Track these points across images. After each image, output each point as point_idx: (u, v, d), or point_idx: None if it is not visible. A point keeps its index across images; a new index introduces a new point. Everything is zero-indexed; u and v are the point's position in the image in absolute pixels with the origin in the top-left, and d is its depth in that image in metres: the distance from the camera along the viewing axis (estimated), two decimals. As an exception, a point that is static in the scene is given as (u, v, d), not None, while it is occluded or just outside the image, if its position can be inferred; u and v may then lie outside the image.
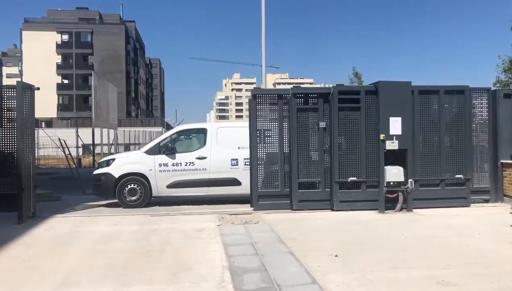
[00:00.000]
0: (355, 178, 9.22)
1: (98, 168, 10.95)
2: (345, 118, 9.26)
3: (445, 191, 9.54)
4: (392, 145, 9.03)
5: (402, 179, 9.04)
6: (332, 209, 9.24)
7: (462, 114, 9.70)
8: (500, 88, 17.03)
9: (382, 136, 9.03)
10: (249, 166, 10.43)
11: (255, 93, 9.77)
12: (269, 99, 9.69)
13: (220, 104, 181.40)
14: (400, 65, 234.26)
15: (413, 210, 9.12)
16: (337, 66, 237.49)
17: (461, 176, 9.59)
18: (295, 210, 9.30)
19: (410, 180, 9.06)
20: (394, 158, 9.18)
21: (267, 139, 9.64)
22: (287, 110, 9.51)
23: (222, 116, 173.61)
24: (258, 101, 9.61)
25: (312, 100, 9.64)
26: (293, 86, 10.22)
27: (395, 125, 9.08)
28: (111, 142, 28.38)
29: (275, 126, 9.59)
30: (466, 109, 9.71)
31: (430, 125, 9.58)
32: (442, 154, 9.55)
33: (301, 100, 9.61)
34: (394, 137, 9.05)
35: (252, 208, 9.56)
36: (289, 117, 9.47)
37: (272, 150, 9.58)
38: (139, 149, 11.73)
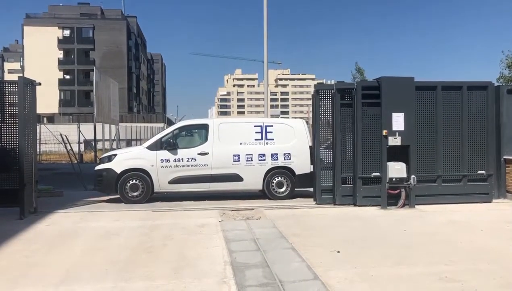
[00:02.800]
0: (378, 174, 9.18)
1: (99, 164, 10.92)
2: (368, 114, 9.23)
3: (467, 187, 9.55)
4: (394, 141, 9.01)
5: (404, 175, 9.01)
6: (354, 204, 9.24)
7: (485, 110, 9.70)
8: (503, 84, 16.97)
9: (384, 132, 9.00)
10: (250, 162, 10.49)
11: (318, 88, 9.74)
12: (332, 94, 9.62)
13: (222, 100, 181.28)
14: (402, 61, 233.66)
15: (416, 206, 9.10)
16: (340, 62, 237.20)
17: (483, 171, 9.59)
18: (337, 204, 9.31)
19: (412, 176, 9.03)
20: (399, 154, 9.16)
21: (327, 134, 9.66)
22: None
23: (224, 112, 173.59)
24: (321, 96, 9.61)
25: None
26: (337, 81, 10.10)
27: (398, 121, 9.05)
28: (112, 138, 28.40)
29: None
30: (488, 105, 9.71)
31: (452, 121, 9.55)
32: (465, 150, 9.54)
33: (344, 96, 9.54)
34: (397, 133, 9.03)
35: (315, 202, 9.64)
36: (333, 112, 9.48)
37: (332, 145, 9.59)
38: (140, 144, 11.71)
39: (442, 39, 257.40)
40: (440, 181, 9.48)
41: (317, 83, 10.30)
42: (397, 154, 9.15)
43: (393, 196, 9.12)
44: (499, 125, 9.90)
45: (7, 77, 78.20)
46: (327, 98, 9.64)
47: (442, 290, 4.52)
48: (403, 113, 9.07)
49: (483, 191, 9.66)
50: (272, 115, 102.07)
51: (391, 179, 8.98)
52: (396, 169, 8.98)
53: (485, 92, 9.75)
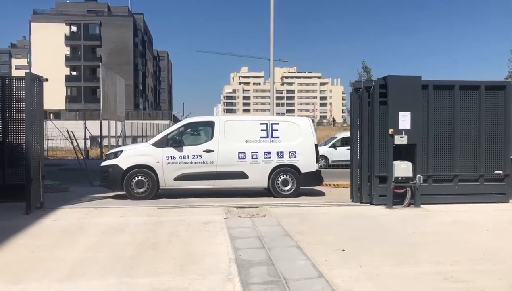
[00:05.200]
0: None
1: (105, 160, 10.96)
2: (384, 112, 9.15)
3: (484, 187, 9.50)
4: (400, 140, 8.96)
5: (410, 174, 8.96)
6: (371, 203, 9.20)
7: (502, 110, 9.64)
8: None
9: (390, 131, 8.95)
10: (256, 160, 10.47)
11: (355, 86, 9.68)
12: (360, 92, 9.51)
13: (228, 97, 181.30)
14: (408, 61, 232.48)
15: (422, 205, 9.05)
16: (346, 60, 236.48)
17: (500, 171, 9.54)
18: (364, 203, 9.29)
19: (418, 175, 8.97)
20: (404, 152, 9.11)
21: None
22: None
23: (229, 109, 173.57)
24: (359, 95, 9.52)
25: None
26: (365, 79, 10.05)
27: (404, 120, 9.00)
28: (118, 134, 28.47)
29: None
30: (506, 105, 9.65)
31: (469, 121, 9.49)
32: (482, 149, 9.49)
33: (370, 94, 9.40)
34: (403, 132, 8.97)
35: (351, 200, 9.64)
36: (360, 110, 9.43)
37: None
38: (146, 141, 11.74)
39: (443, 38, 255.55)
40: (456, 181, 9.44)
41: (355, 81, 10.06)
42: (411, 153, 9.09)
43: (400, 195, 9.07)
44: (507, 124, 9.82)
45: (15, 73, 78.55)
46: (359, 96, 9.56)
47: (448, 290, 4.51)
48: (409, 112, 9.01)
49: (499, 191, 9.61)
50: (277, 113, 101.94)
51: (397, 177, 8.94)
52: (402, 168, 8.93)
53: (502, 92, 9.69)
